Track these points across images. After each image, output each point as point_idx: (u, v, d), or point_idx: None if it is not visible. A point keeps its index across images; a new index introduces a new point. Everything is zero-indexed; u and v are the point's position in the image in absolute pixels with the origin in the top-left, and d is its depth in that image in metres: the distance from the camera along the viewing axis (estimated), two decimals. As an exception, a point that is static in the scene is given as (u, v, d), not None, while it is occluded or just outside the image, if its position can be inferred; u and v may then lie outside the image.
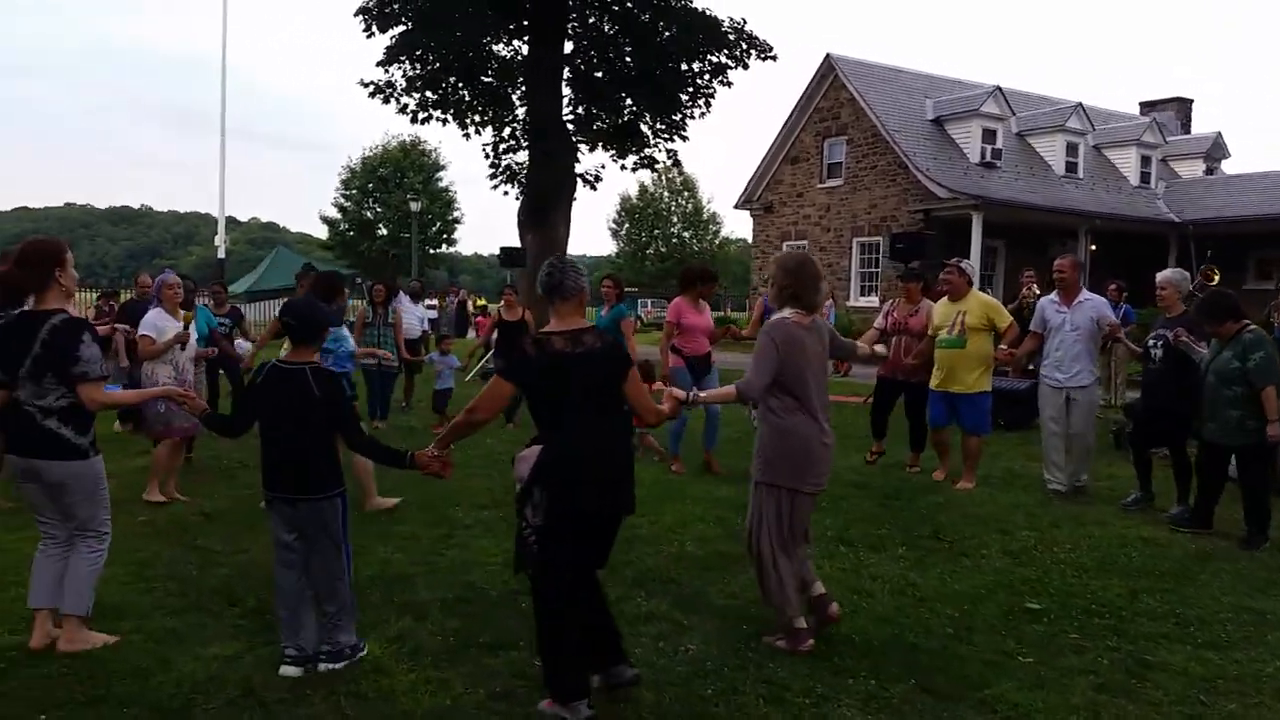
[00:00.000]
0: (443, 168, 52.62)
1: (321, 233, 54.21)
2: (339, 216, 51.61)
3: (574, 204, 19.16)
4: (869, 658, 4.22)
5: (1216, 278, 10.93)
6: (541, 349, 3.66)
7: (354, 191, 51.24)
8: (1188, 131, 32.21)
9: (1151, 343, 7.28)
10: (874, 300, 25.34)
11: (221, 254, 30.39)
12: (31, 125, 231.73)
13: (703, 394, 4.80)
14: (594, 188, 20.60)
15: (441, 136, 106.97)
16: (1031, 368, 13.30)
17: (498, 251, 20.64)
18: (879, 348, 6.89)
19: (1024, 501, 7.51)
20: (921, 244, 13.48)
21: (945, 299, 8.20)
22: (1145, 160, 28.36)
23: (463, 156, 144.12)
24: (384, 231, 51.22)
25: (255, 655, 4.14)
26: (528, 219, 18.73)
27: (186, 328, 7.12)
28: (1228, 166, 30.60)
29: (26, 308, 4.09)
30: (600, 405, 3.69)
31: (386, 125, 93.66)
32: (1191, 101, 33.21)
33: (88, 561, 4.20)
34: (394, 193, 49.94)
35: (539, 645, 3.73)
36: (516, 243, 19.62)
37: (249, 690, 3.79)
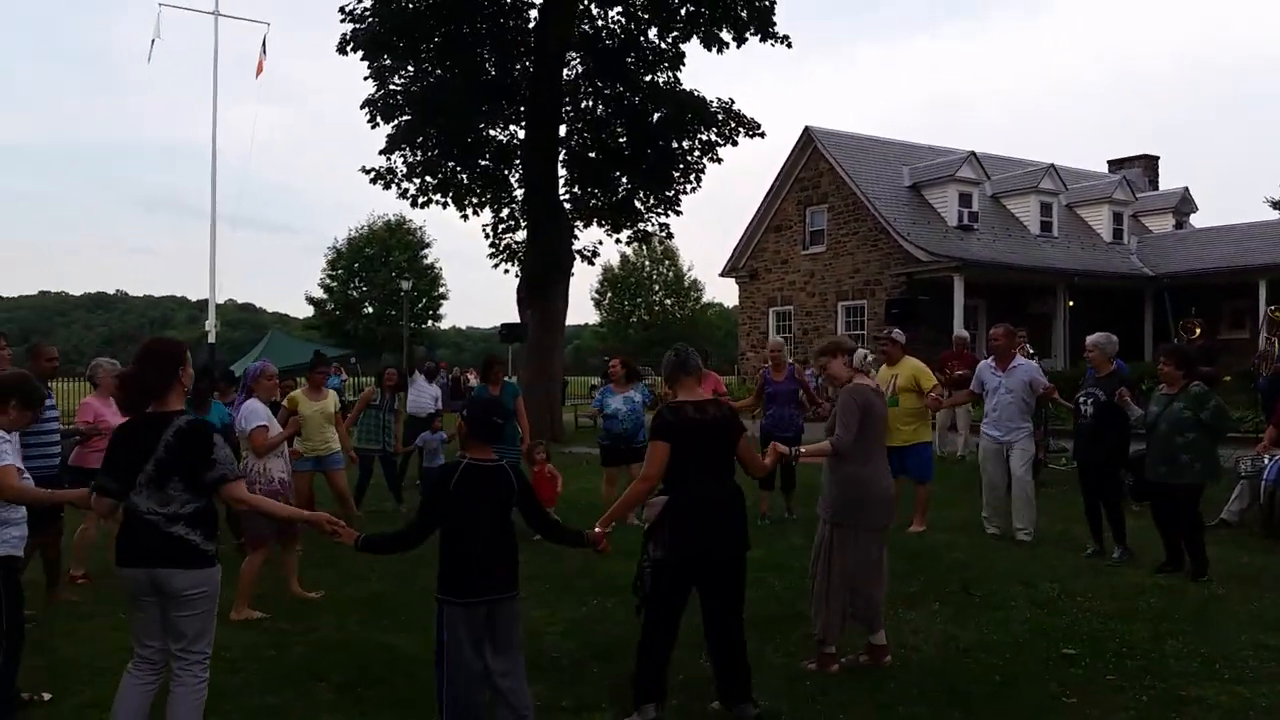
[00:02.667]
0: (428, 245, 53.38)
1: (299, 313, 54.55)
2: (324, 296, 52.09)
3: (572, 279, 19.71)
4: (930, 705, 4.57)
5: (1199, 331, 11.53)
6: (677, 414, 4.37)
7: (340, 271, 51.80)
8: (1155, 188, 33.33)
9: (1082, 399, 7.88)
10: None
11: (212, 339, 30.68)
12: (4, 212, 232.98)
13: (803, 448, 5.53)
14: (591, 263, 21.30)
15: (426, 215, 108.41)
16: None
17: (483, 325, 21.15)
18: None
19: (1038, 554, 7.90)
20: (914, 308, 14.05)
21: (884, 365, 9.18)
22: (1117, 217, 29.32)
23: (444, 233, 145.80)
24: (370, 310, 51.68)
25: (363, 727, 4.43)
26: (528, 295, 19.21)
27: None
28: (1196, 220, 31.64)
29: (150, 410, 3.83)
30: (717, 465, 4.40)
31: (366, 206, 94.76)
32: (1158, 158, 34.42)
33: (195, 694, 3.78)
34: (380, 271, 50.54)
35: (638, 655, 4.43)
36: (506, 318, 20.30)
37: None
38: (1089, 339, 8.10)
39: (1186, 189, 31.40)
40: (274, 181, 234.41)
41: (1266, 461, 8.46)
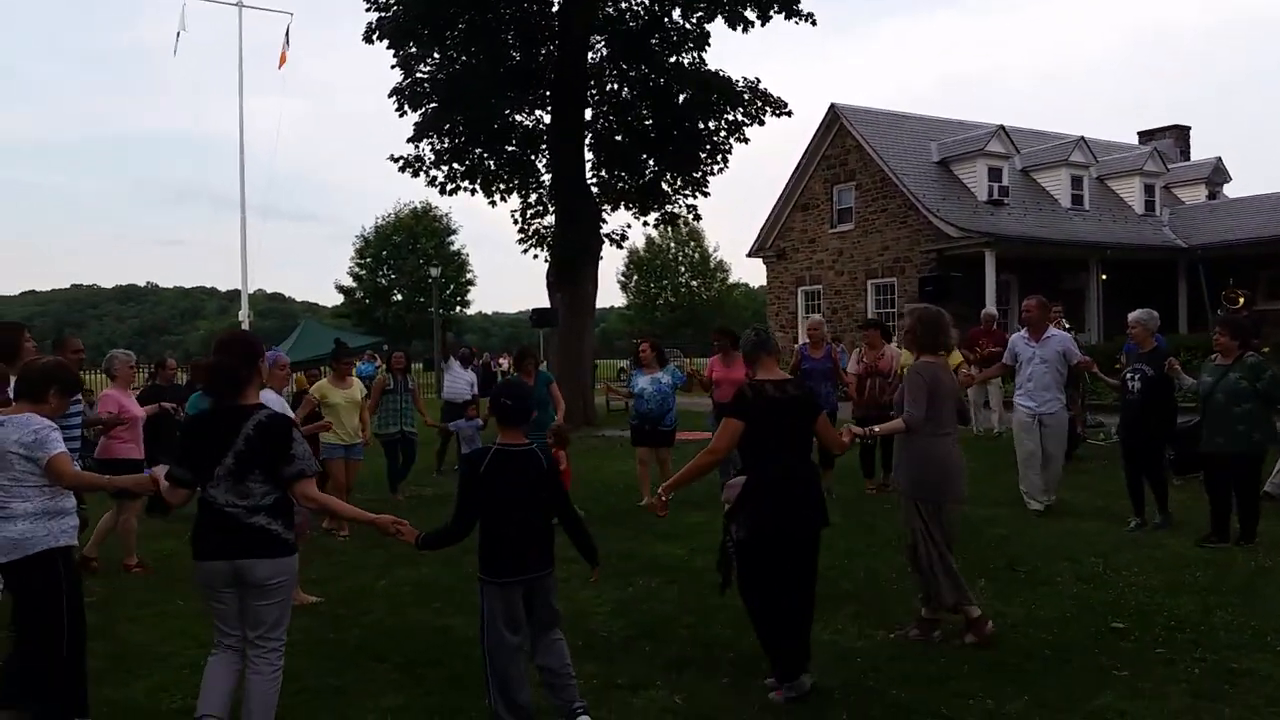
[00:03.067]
0: (454, 231, 53.64)
1: (327, 301, 54.96)
2: (354, 285, 52.51)
3: (600, 262, 19.76)
4: (981, 680, 4.62)
5: (1242, 300, 11.49)
6: (757, 393, 4.44)
7: (368, 259, 52.19)
8: (1187, 158, 32.86)
9: (1129, 375, 8.00)
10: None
11: (245, 328, 31.01)
12: (36, 208, 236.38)
13: (877, 428, 5.62)
14: (620, 246, 21.32)
15: (452, 202, 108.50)
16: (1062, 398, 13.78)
17: (509, 310, 21.25)
18: None
19: (1080, 529, 7.91)
20: (948, 284, 14.01)
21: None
22: (1149, 189, 28.96)
23: (468, 218, 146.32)
24: (399, 298, 52.05)
25: (425, 705, 4.55)
26: (558, 279, 19.30)
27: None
28: (1229, 190, 31.19)
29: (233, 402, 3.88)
30: (795, 442, 4.48)
31: (392, 194, 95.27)
32: (1189, 129, 33.91)
33: (273, 683, 3.92)
34: (408, 259, 50.89)
35: (759, 639, 4.52)
36: (531, 302, 20.49)
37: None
38: (1131, 315, 8.15)
39: (1219, 159, 30.96)
40: (299, 172, 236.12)
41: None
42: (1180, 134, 33.77)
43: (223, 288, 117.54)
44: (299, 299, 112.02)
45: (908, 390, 5.18)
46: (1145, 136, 33.55)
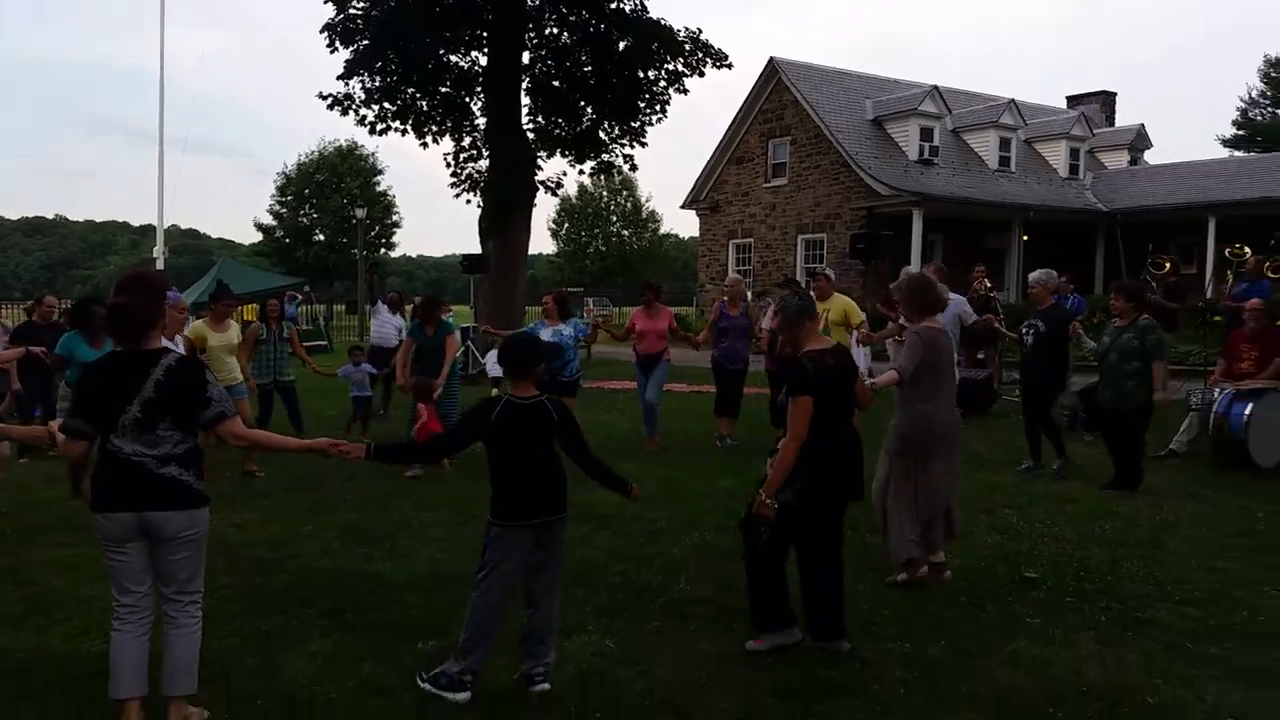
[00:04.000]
0: (380, 172, 52.44)
1: (245, 239, 53.46)
2: (274, 224, 51.11)
3: (534, 209, 19.54)
4: (900, 625, 4.80)
5: (1169, 265, 11.95)
6: (816, 364, 4.41)
7: (289, 198, 50.77)
8: (1112, 124, 33.64)
9: (1024, 330, 8.55)
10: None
11: (160, 265, 30.09)
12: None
13: (876, 380, 5.50)
14: (554, 194, 21.06)
15: (379, 141, 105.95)
16: (981, 356, 14.18)
17: (434, 254, 20.83)
18: None
19: (997, 482, 8.20)
20: (879, 243, 14.20)
21: (814, 300, 9.58)
22: (1074, 153, 29.62)
23: (398, 161, 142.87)
24: (321, 238, 50.83)
25: (354, 650, 4.54)
26: (490, 226, 19.05)
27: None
28: (1150, 157, 32.06)
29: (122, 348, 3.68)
30: (844, 408, 4.52)
31: (315, 131, 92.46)
32: (1115, 95, 34.68)
33: (192, 634, 3.75)
34: (331, 198, 49.65)
35: (750, 592, 4.56)
36: (463, 248, 20.17)
37: (363, 680, 4.20)
38: (1031, 276, 8.80)
39: (1142, 126, 31.76)
40: (219, 106, 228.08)
41: (1216, 394, 8.79)
42: (1107, 100, 34.54)
43: (135, 222, 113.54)
44: (215, 235, 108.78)
45: (906, 348, 5.34)
46: (1073, 101, 34.23)
